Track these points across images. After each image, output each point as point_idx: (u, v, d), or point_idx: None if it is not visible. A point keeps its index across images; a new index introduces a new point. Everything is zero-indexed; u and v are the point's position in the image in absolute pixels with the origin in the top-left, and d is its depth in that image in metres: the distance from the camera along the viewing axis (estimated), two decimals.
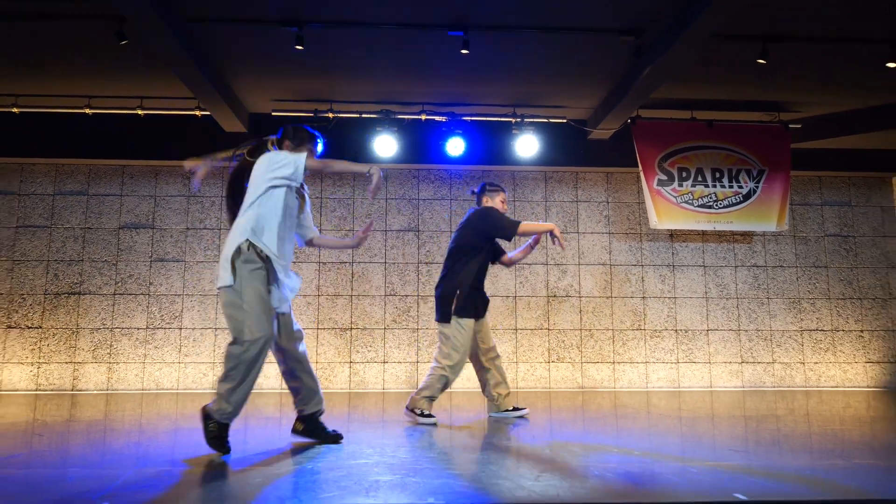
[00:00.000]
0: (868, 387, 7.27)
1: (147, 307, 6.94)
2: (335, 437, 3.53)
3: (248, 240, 3.21)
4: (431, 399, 4.38)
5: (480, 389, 4.79)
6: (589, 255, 7.34)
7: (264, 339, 3.15)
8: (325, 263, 7.13)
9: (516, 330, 7.14)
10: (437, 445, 3.51)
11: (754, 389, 7.07)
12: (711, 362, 7.22)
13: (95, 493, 2.37)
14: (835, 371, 7.29)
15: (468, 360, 4.57)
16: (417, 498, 2.31)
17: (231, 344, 3.16)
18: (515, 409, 4.70)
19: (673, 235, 7.42)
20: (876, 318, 7.42)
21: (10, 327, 6.81)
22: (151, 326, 6.91)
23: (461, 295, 4.37)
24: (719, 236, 7.44)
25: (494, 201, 4.65)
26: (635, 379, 7.14)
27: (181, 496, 2.41)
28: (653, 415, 4.86)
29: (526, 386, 7.03)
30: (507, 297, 7.19)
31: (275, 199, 3.30)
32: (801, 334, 7.34)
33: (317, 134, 3.67)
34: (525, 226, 4.39)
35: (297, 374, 3.47)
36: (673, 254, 7.41)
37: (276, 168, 3.29)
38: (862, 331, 7.39)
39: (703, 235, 7.42)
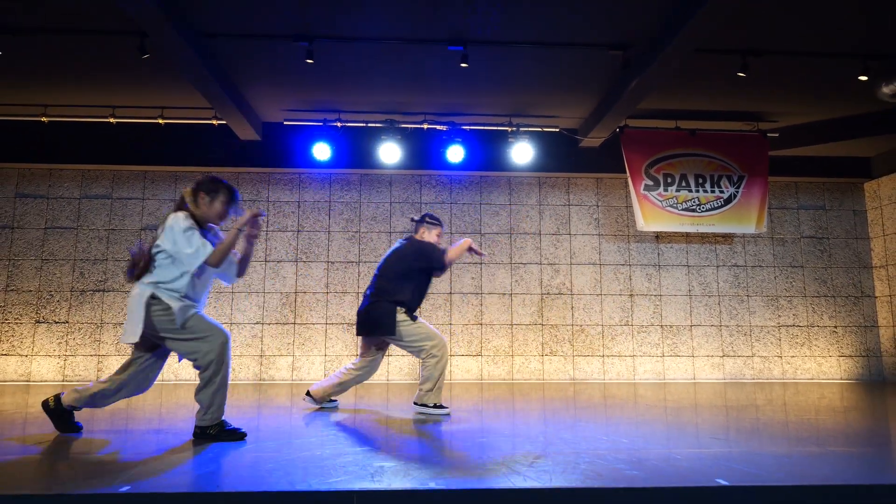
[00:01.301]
0: (841, 379, 7.26)
1: None
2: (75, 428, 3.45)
3: (153, 294, 3.17)
4: (440, 390, 4.26)
5: (333, 374, 4.61)
6: (580, 255, 7.34)
7: (222, 340, 3.22)
8: (332, 263, 7.13)
9: (512, 325, 7.13)
10: (438, 433, 3.51)
11: (735, 381, 7.06)
12: (695, 356, 7.21)
13: (118, 477, 2.37)
14: (810, 364, 7.28)
15: (365, 345, 4.48)
16: (420, 483, 2.30)
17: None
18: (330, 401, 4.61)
19: (658, 237, 7.41)
20: (849, 314, 7.42)
21: (38, 322, 6.81)
22: None
23: (406, 310, 4.28)
24: (702, 238, 7.43)
25: (431, 234, 4.55)
26: (623, 371, 7.13)
27: (197, 480, 2.41)
28: (640, 405, 4.85)
29: (521, 378, 7.03)
30: (504, 294, 7.18)
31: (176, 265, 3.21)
32: (779, 330, 7.33)
33: (234, 190, 3.41)
34: (450, 255, 4.32)
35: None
36: (658, 254, 7.41)
37: (178, 250, 3.15)
38: (836, 327, 7.38)
39: (687, 237, 7.42)
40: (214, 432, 3.21)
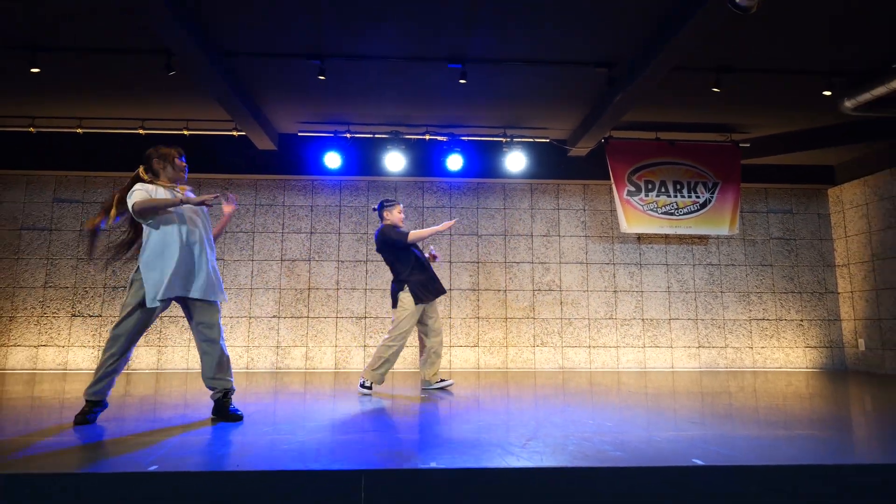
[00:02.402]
0: (807, 368, 7.26)
1: None
2: (235, 417, 3.26)
3: (139, 266, 3.30)
4: (380, 373, 4.48)
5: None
6: (568, 254, 7.33)
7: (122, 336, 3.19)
8: (342, 262, 7.12)
9: (506, 319, 7.13)
10: (437, 417, 3.50)
11: (710, 370, 7.05)
12: (673, 347, 7.21)
13: (146, 458, 2.36)
14: (778, 354, 7.28)
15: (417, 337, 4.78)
16: (422, 462, 2.30)
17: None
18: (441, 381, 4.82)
19: (640, 238, 7.41)
20: (813, 309, 7.41)
21: (74, 316, 6.81)
22: None
23: (411, 283, 4.51)
24: (680, 239, 7.42)
25: (392, 213, 4.71)
26: (608, 361, 7.12)
27: (219, 459, 2.40)
28: (623, 392, 4.84)
29: (515, 367, 7.02)
30: (499, 290, 7.18)
31: (155, 225, 3.35)
32: (750, 323, 7.33)
33: (172, 153, 3.53)
34: (413, 234, 4.54)
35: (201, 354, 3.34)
36: (640, 254, 7.40)
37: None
38: (802, 320, 7.38)
39: (666, 238, 7.41)
40: (87, 409, 3.19)
